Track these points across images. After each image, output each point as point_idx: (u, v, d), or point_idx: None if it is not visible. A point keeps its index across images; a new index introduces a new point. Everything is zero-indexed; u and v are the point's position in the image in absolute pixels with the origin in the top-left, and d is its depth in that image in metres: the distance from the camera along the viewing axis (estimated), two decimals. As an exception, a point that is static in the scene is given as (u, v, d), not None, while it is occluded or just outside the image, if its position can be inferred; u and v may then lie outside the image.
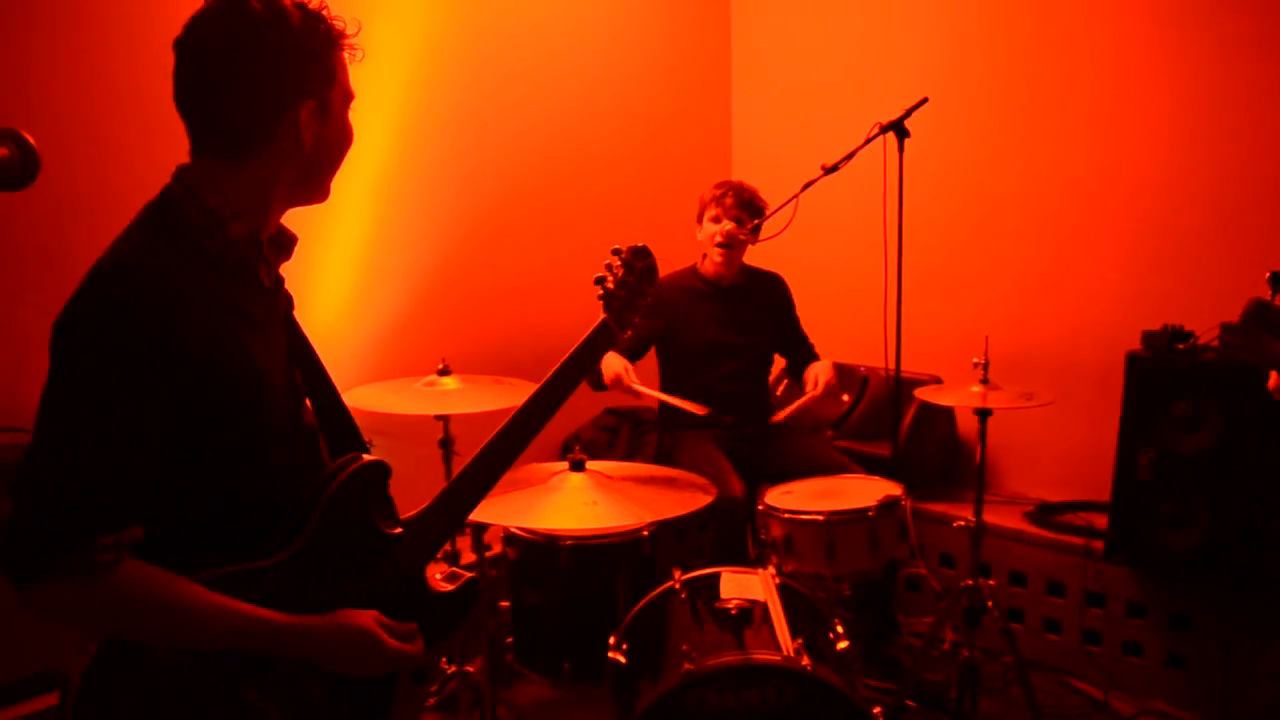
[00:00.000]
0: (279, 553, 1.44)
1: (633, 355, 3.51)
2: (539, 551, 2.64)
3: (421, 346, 3.34)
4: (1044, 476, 4.00)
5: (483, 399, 2.80)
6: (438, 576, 1.70)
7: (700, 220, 3.55)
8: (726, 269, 3.54)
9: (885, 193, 3.34)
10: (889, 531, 2.81)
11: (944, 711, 3.19)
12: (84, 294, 1.31)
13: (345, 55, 1.50)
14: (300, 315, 1.63)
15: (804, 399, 3.33)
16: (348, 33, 1.49)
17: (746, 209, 3.47)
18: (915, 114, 3.29)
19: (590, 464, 2.41)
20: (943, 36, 4.20)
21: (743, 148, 4.92)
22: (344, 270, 3.44)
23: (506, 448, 1.72)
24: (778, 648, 2.16)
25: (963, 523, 3.15)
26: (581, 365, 1.79)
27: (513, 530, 2.67)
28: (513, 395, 2.82)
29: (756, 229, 3.46)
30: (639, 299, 1.90)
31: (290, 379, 1.56)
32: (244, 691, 1.39)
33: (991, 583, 3.29)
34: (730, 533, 3.09)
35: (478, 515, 2.29)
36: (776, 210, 3.37)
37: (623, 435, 3.94)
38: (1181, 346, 3.23)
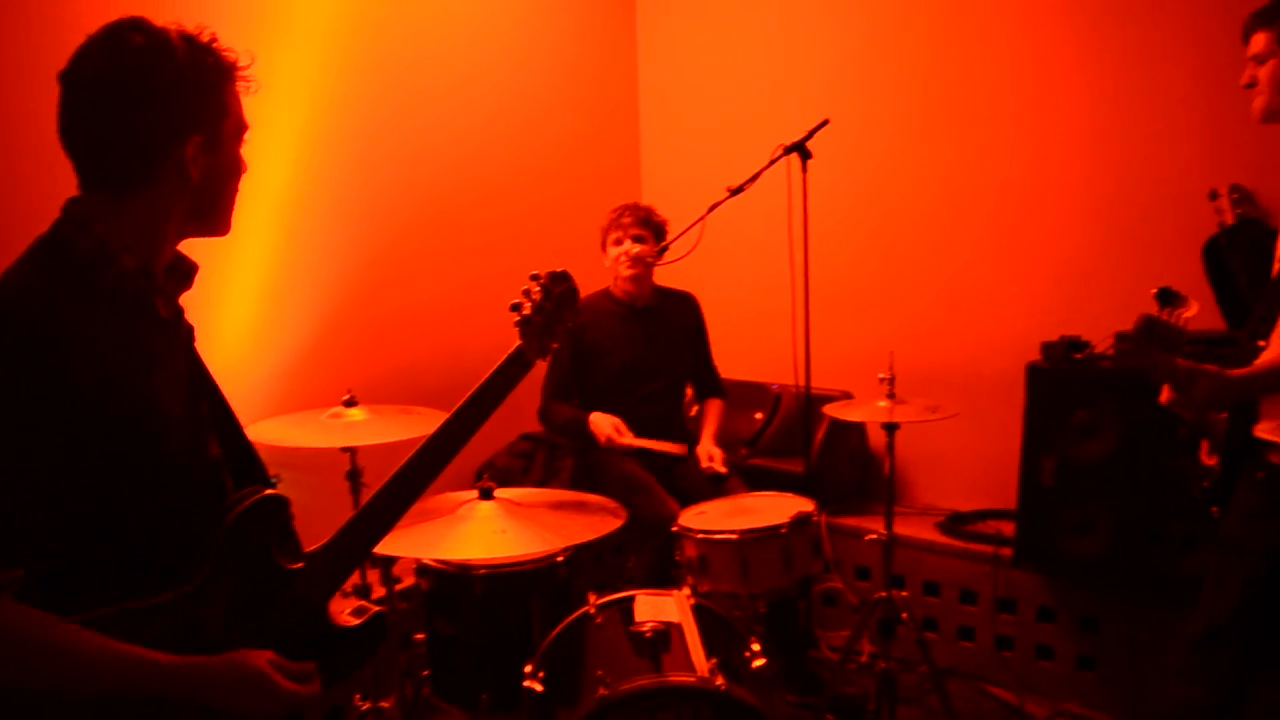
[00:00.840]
0: (174, 589, 1.40)
1: (571, 390, 3.57)
2: (453, 582, 2.60)
3: (327, 377, 3.28)
4: (954, 487, 4.08)
5: (391, 429, 2.75)
6: (345, 612, 1.67)
7: (604, 247, 3.61)
8: (637, 288, 3.59)
9: (790, 213, 3.38)
10: (802, 548, 2.83)
11: (863, 723, 3.23)
12: None
13: (239, 87, 1.49)
14: (201, 348, 1.58)
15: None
16: (240, 64, 1.49)
17: (646, 226, 3.55)
18: (819, 135, 3.35)
19: (499, 492, 2.39)
20: (845, 58, 4.28)
21: (651, 170, 4.95)
22: (245, 301, 3.35)
23: (415, 479, 1.70)
24: (692, 669, 2.16)
25: (875, 536, 3.19)
26: (496, 393, 1.77)
27: (425, 562, 2.63)
28: (422, 425, 2.78)
29: (662, 251, 3.49)
30: (557, 325, 1.86)
31: (192, 412, 1.52)
32: None
33: (905, 594, 3.35)
34: (669, 552, 3.12)
35: (386, 548, 2.27)
36: (684, 232, 3.40)
37: (538, 461, 3.92)
38: (1079, 356, 3.33)
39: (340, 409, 2.84)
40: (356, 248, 3.68)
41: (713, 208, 3.35)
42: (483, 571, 2.56)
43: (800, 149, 3.35)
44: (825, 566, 3.81)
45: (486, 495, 2.35)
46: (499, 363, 1.79)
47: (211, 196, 1.50)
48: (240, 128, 1.51)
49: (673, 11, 4.82)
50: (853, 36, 4.26)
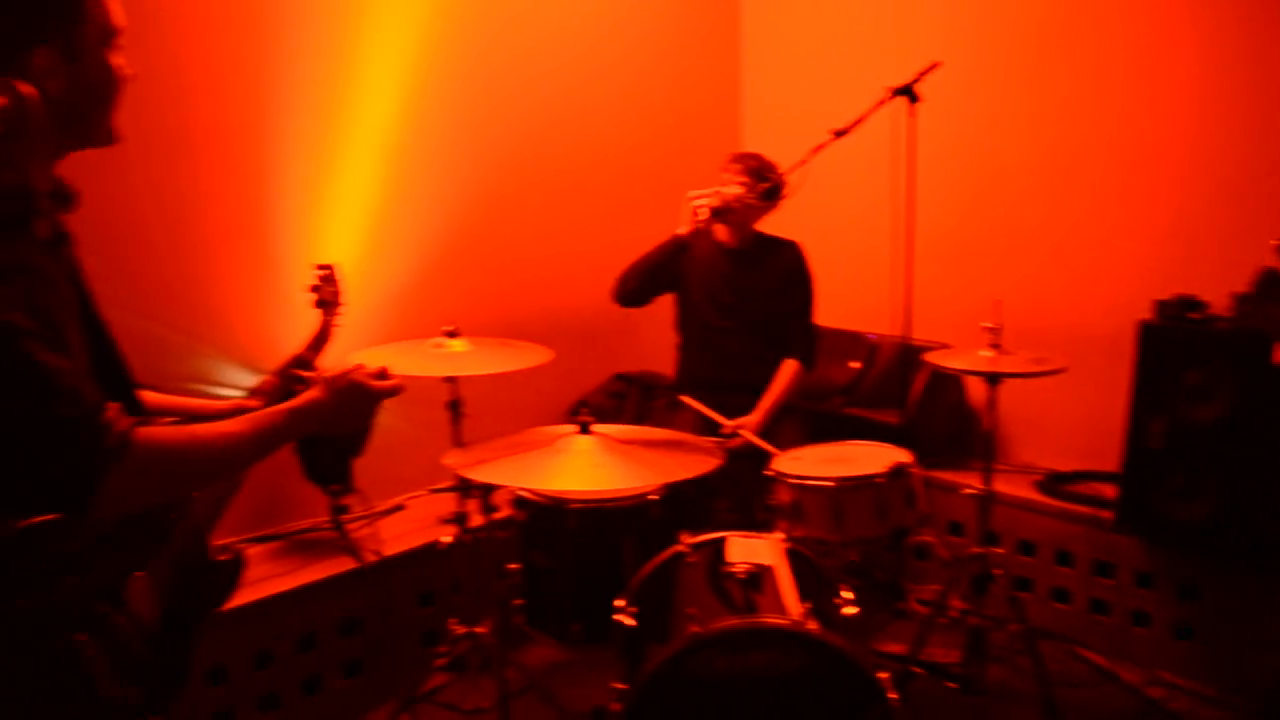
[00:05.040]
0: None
1: (645, 293, 3.57)
2: (547, 514, 2.64)
3: (430, 309, 3.32)
4: (1054, 446, 3.98)
5: (491, 361, 2.79)
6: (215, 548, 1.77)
7: None
8: (726, 235, 3.59)
9: (895, 157, 3.31)
10: (897, 498, 2.80)
11: (951, 679, 3.20)
12: None
13: None
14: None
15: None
16: None
17: (754, 175, 3.48)
18: (927, 78, 3.26)
19: (597, 427, 2.40)
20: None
21: (753, 113, 4.87)
22: (352, 233, 3.43)
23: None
24: (785, 612, 2.16)
25: (971, 490, 3.14)
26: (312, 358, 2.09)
27: (521, 493, 2.67)
28: (519, 358, 2.83)
29: (767, 194, 3.43)
30: (338, 308, 2.42)
31: (83, 334, 1.47)
32: (78, 638, 1.37)
33: (1000, 551, 3.29)
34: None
35: (485, 476, 2.31)
36: (785, 175, 3.35)
37: (631, 400, 3.94)
38: (1194, 316, 3.21)
39: (442, 340, 2.88)
40: (460, 186, 3.72)
41: (816, 150, 3.29)
42: (577, 506, 2.59)
43: (908, 92, 3.27)
44: (919, 519, 3.77)
45: (585, 430, 2.36)
46: (311, 336, 2.24)
47: (80, 107, 1.42)
48: (107, 34, 1.42)
49: (780, -51, 4.71)
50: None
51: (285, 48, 3.23)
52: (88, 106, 1.43)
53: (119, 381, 1.56)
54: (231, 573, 1.78)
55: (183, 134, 2.97)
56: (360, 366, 1.72)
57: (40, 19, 1.34)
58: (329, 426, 1.64)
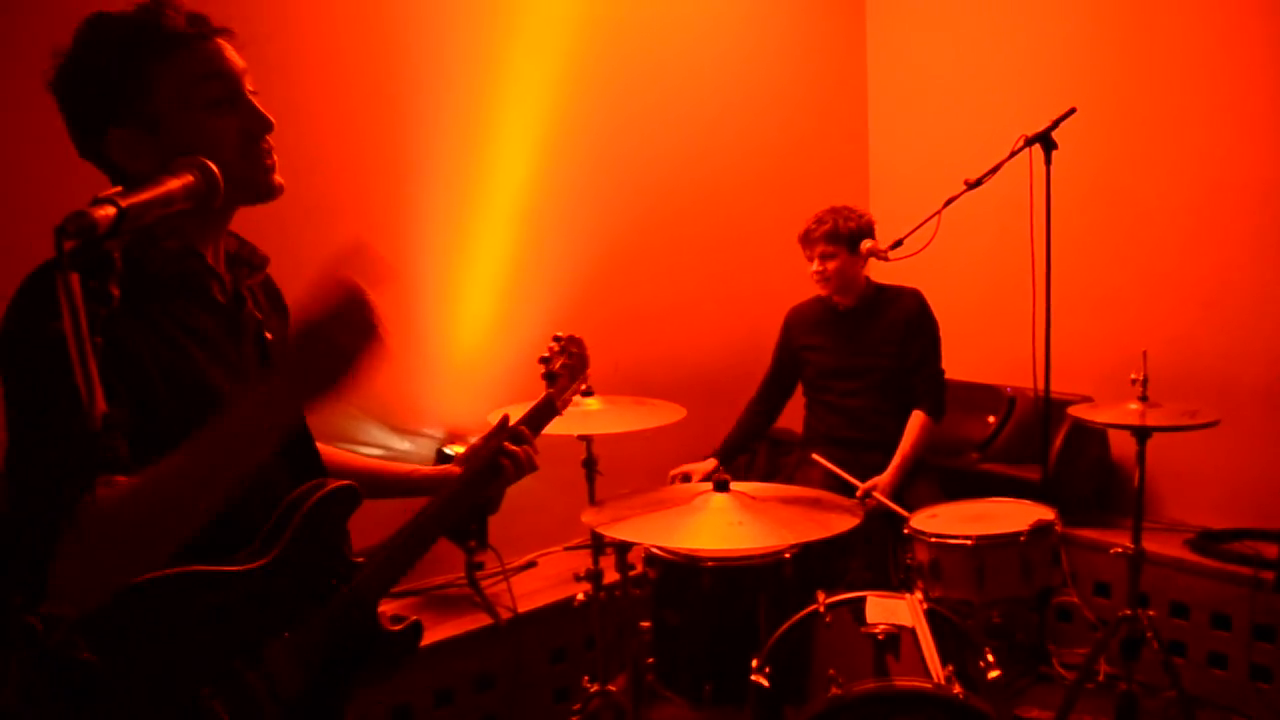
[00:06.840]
0: (246, 562, 1.39)
1: (782, 390, 3.67)
2: (680, 572, 2.63)
3: (565, 368, 3.39)
4: (1206, 502, 3.79)
5: (624, 420, 2.82)
6: (387, 616, 1.66)
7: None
8: (838, 297, 3.56)
9: (1032, 206, 3.24)
10: (1041, 558, 2.71)
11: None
12: (15, 306, 1.27)
13: (185, 52, 1.36)
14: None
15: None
16: (172, 29, 1.34)
17: (834, 240, 3.45)
18: (1064, 125, 3.19)
19: (734, 485, 2.39)
20: (1089, 43, 4.05)
21: (880, 164, 4.84)
22: (486, 293, 3.52)
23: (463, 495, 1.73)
24: (928, 675, 2.10)
25: (1120, 549, 3.01)
26: (532, 432, 1.84)
27: (654, 551, 2.67)
28: (653, 416, 2.85)
29: (896, 245, 3.39)
30: (575, 382, 2.13)
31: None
32: (205, 692, 1.33)
33: (1151, 613, 3.14)
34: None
35: (621, 534, 2.32)
36: (918, 227, 3.30)
37: (760, 456, 3.92)
38: (1360, 364, 3.04)
39: (577, 398, 2.91)
40: (590, 246, 3.80)
41: (949, 202, 3.25)
42: (711, 564, 2.58)
43: (1045, 139, 3.21)
44: (1063, 580, 3.63)
45: (722, 487, 2.36)
46: (531, 407, 1.93)
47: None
48: (190, 95, 1.36)
49: (905, -3, 4.70)
50: (1102, 18, 4.01)
51: (421, 120, 3.35)
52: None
53: (297, 438, 1.57)
54: (405, 643, 1.65)
55: (323, 204, 3.10)
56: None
57: (101, 100, 1.33)
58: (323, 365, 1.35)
